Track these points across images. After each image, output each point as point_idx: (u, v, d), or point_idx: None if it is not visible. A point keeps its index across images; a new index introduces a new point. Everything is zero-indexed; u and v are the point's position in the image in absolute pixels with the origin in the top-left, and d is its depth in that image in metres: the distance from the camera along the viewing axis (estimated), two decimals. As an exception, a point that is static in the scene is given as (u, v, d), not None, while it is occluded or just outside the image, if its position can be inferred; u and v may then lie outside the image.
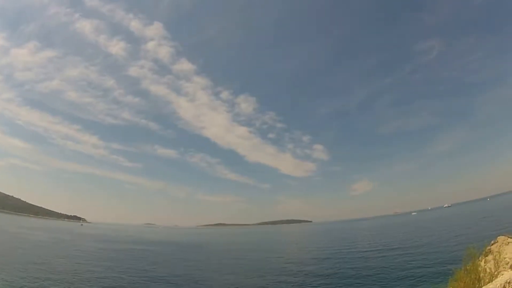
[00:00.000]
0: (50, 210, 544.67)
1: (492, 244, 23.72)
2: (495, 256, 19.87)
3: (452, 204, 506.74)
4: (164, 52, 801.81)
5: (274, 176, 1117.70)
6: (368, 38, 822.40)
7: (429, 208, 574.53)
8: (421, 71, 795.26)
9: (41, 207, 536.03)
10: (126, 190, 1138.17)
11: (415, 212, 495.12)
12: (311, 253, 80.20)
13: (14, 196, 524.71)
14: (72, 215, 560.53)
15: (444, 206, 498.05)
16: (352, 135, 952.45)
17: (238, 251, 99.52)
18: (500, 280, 13.22)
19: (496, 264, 18.15)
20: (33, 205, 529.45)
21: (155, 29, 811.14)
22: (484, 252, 21.90)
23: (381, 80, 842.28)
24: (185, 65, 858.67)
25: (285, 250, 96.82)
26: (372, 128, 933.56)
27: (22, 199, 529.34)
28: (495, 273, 16.60)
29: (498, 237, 25.70)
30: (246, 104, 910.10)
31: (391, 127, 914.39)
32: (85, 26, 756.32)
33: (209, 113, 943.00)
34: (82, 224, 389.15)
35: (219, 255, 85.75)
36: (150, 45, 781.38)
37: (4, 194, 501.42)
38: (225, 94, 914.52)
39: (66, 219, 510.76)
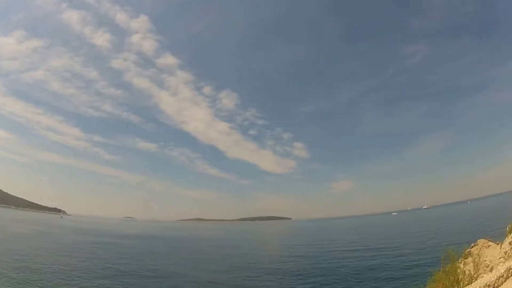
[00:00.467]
0: (31, 202, 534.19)
1: (472, 247, 23.78)
2: (474, 258, 19.80)
3: (431, 206, 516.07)
4: (149, 45, 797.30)
5: (254, 173, 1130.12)
6: (354, 40, 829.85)
7: (409, 209, 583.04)
8: (406, 74, 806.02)
9: (22, 199, 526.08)
10: (106, 183, 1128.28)
11: (395, 212, 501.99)
12: (290, 251, 79.93)
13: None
14: (53, 207, 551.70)
15: (423, 207, 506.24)
16: (333, 134, 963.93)
17: (216, 247, 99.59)
18: (480, 282, 12.98)
19: (475, 267, 18.06)
20: (14, 196, 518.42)
21: (141, 22, 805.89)
22: (463, 255, 21.87)
23: (365, 81, 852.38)
24: (169, 59, 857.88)
25: (263, 248, 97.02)
26: (354, 128, 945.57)
27: (3, 190, 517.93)
28: (475, 275, 16.49)
29: (478, 240, 25.79)
30: (228, 100, 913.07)
31: (373, 128, 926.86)
32: (72, 17, 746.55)
33: (190, 108, 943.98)
34: (62, 217, 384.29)
35: (197, 251, 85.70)
36: (135, 38, 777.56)
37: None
38: (207, 89, 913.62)
39: (46, 211, 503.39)
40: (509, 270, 13.26)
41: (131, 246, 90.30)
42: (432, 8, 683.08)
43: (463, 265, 18.14)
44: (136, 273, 47.69)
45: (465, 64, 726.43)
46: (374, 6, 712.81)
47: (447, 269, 19.37)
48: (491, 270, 14.31)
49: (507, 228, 27.45)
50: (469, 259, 18.30)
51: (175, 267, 55.46)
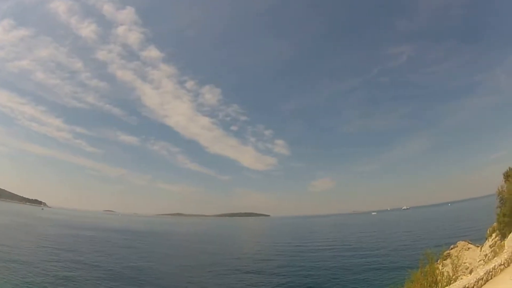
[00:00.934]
0: (12, 193, 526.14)
1: (452, 249, 23.97)
2: (453, 260, 19.80)
3: (411, 207, 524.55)
4: (134, 37, 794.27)
5: (235, 169, 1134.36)
6: (339, 38, 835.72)
7: (388, 209, 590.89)
8: (390, 75, 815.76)
9: (3, 190, 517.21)
10: (87, 176, 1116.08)
11: (375, 212, 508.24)
12: (267, 248, 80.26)
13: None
14: (34, 199, 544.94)
15: (403, 208, 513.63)
16: (315, 132, 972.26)
17: (195, 242, 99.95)
18: (459, 284, 12.82)
19: (454, 268, 18.06)
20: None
21: (127, 14, 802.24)
22: (442, 256, 22.00)
23: (348, 80, 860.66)
24: (153, 52, 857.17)
25: (240, 244, 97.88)
26: (335, 127, 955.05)
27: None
28: (453, 277, 16.48)
29: (458, 242, 26.00)
30: (210, 95, 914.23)
31: (354, 127, 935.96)
32: (59, 6, 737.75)
33: (173, 102, 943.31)
34: (43, 209, 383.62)
35: (176, 246, 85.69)
36: (121, 29, 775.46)
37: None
38: (190, 84, 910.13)
39: (27, 203, 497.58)
40: (488, 273, 13.17)
41: (108, 240, 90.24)
42: (419, 10, 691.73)
43: (442, 266, 18.19)
44: (109, 267, 47.72)
45: (450, 67, 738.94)
46: (361, 6, 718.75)
47: (425, 269, 19.29)
48: (470, 272, 14.25)
49: (488, 231, 27.78)
50: (448, 260, 18.35)
51: (151, 262, 55.33)
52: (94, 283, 38.76)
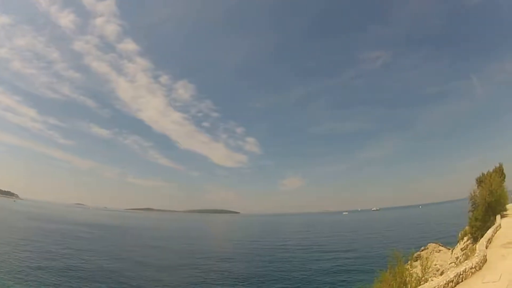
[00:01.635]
0: None
1: (422, 250, 24.28)
2: (422, 262, 19.88)
3: (381, 208, 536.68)
4: (111, 29, 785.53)
5: (205, 165, 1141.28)
6: (314, 39, 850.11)
7: (359, 210, 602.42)
8: (363, 78, 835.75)
9: None
10: (58, 168, 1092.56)
11: (346, 212, 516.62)
12: (234, 246, 80.00)
13: None
14: (6, 190, 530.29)
15: (372, 209, 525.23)
16: (286, 131, 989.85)
17: (163, 239, 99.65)
18: (428, 285, 12.70)
19: (423, 270, 18.13)
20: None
21: (107, 5, 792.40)
22: (413, 257, 22.20)
23: (321, 81, 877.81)
24: (129, 45, 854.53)
25: (208, 241, 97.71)
26: (306, 127, 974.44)
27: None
28: (422, 278, 16.51)
29: (429, 244, 26.37)
30: (184, 90, 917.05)
31: (326, 127, 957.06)
32: None
33: (146, 96, 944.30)
34: (15, 201, 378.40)
35: (145, 242, 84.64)
36: (99, 21, 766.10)
37: None
38: (164, 78, 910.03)
39: (0, 195, 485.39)
40: (459, 276, 13.10)
41: (77, 234, 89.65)
42: (397, 17, 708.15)
43: (412, 267, 18.30)
44: (74, 261, 47.53)
45: (426, 74, 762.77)
46: (339, 9, 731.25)
47: (394, 270, 19.28)
48: (441, 274, 14.25)
49: (459, 235, 28.30)
50: (418, 261, 18.50)
51: (110, 258, 54.47)
52: (55, 276, 38.38)
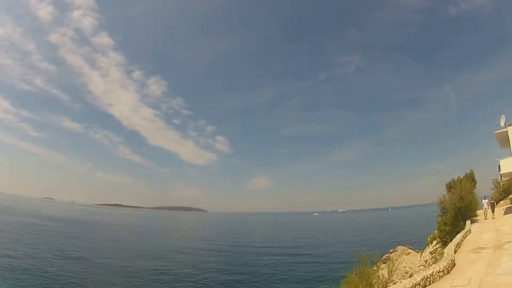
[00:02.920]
0: None
1: (391, 253, 24.42)
2: (388, 264, 19.91)
3: (350, 210, 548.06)
4: (88, 22, 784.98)
5: (174, 162, 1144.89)
6: (288, 41, 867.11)
7: (327, 211, 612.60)
8: (336, 82, 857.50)
9: None
10: (27, 161, 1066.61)
11: (317, 213, 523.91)
12: (200, 245, 78.97)
13: None
14: None
15: (339, 211, 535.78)
16: (255, 131, 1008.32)
17: (130, 234, 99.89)
18: (395, 287, 12.52)
19: (389, 272, 18.15)
20: None
21: None
22: (381, 259, 22.31)
23: (293, 83, 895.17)
24: (104, 39, 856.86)
25: (174, 239, 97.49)
26: (276, 128, 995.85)
27: None
28: (389, 280, 16.48)
29: (398, 247, 26.57)
30: (156, 87, 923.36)
31: (295, 129, 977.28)
32: None
33: (118, 91, 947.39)
34: None
35: (111, 238, 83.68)
36: (76, 14, 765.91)
37: None
38: (137, 74, 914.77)
39: None
40: (426, 279, 12.98)
41: (53, 228, 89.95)
42: (374, 23, 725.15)
43: (380, 269, 18.26)
44: (39, 255, 46.99)
45: (397, 81, 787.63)
46: (315, 12, 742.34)
47: (360, 271, 19.24)
48: (410, 277, 14.16)
49: (428, 238, 28.69)
50: (386, 264, 18.53)
51: (83, 252, 53.84)
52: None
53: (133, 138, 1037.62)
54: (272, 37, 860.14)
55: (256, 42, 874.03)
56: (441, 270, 13.78)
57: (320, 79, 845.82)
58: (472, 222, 26.67)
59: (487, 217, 30.14)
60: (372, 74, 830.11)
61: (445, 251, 16.88)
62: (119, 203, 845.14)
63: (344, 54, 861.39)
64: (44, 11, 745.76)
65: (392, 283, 14.36)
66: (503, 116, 32.09)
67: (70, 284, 34.76)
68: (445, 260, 14.75)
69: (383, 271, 18.16)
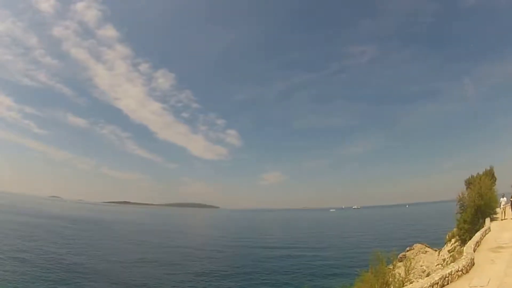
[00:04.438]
0: None
1: (408, 251, 24.56)
2: (406, 262, 20.06)
3: (362, 207, 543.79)
4: (92, 15, 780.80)
5: (184, 157, 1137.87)
6: (299, 31, 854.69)
7: (343, 207, 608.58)
8: (348, 73, 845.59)
9: None
10: (33, 158, 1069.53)
11: (333, 209, 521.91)
12: (213, 242, 79.75)
13: None
14: None
15: (353, 207, 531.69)
16: (267, 125, 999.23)
17: (140, 233, 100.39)
18: (412, 287, 12.70)
19: (407, 271, 18.29)
20: None
21: None
22: (397, 258, 22.48)
23: (305, 75, 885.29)
24: (109, 32, 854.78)
25: (186, 237, 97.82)
26: (288, 121, 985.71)
27: None
28: (406, 279, 16.64)
29: (415, 245, 26.65)
30: (163, 80, 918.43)
31: (307, 122, 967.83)
32: None
33: (125, 85, 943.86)
34: None
35: (122, 238, 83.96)
36: (80, 6, 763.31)
37: None
38: (144, 67, 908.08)
39: None
40: (444, 279, 13.12)
41: (66, 228, 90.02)
42: (389, 12, 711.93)
43: (396, 268, 18.44)
44: (45, 256, 47.25)
45: (413, 72, 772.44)
46: (327, 0, 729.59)
47: (375, 270, 19.41)
48: (427, 276, 14.35)
49: (447, 236, 28.69)
50: (403, 262, 18.65)
51: (84, 254, 53.92)
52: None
53: (141, 133, 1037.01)
54: (282, 27, 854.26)
55: (265, 32, 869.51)
56: (459, 269, 13.91)
57: (332, 70, 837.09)
58: (491, 220, 26.60)
59: (506, 217, 29.62)
60: (386, 64, 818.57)
61: (464, 249, 16.97)
62: (128, 201, 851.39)
63: (357, 44, 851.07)
64: (46, 4, 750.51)
65: (409, 282, 14.53)
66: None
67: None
68: (464, 259, 14.87)
69: (400, 269, 18.29)
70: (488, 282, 12.23)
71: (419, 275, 14.24)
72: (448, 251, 17.43)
